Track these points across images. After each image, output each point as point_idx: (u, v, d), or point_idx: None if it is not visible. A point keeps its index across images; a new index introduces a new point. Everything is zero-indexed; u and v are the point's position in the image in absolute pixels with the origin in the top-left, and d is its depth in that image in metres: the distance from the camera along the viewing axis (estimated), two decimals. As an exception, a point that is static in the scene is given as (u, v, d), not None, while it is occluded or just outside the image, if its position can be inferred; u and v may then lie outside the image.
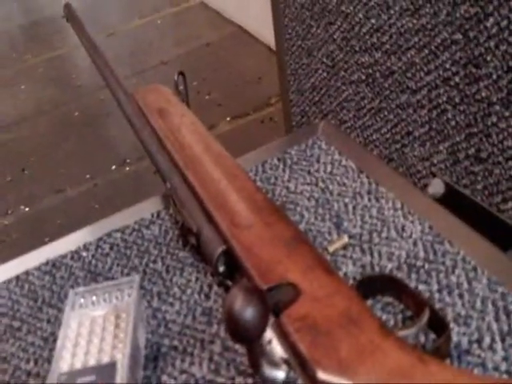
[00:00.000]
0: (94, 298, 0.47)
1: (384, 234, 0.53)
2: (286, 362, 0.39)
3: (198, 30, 2.80)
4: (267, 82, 2.32)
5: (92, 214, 1.87)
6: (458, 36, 0.62)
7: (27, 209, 1.93)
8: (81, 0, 2.99)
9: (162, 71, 2.50)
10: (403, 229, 0.53)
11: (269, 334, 0.40)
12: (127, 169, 2.02)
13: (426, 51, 0.68)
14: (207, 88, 2.21)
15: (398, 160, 0.79)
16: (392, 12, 0.70)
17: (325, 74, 0.89)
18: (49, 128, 2.30)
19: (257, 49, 2.55)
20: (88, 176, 2.00)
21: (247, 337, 0.36)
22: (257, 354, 0.38)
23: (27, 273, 0.56)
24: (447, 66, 0.65)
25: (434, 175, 0.71)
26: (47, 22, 3.17)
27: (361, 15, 0.76)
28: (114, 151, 2.13)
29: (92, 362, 0.42)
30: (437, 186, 0.69)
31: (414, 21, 0.67)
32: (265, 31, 2.50)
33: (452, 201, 0.55)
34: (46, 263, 0.57)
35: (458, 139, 0.67)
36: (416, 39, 0.68)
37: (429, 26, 0.66)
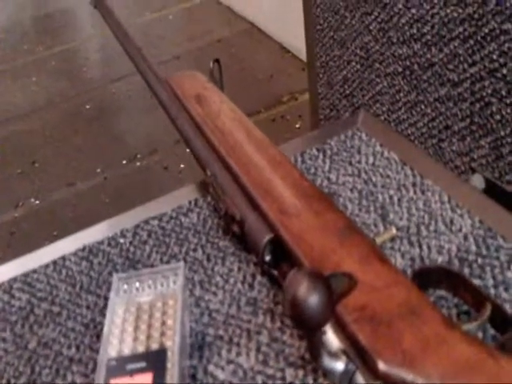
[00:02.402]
0: (138, 284, 0.45)
1: (432, 227, 0.52)
2: (344, 352, 0.38)
3: (210, 26, 2.79)
4: (279, 80, 2.31)
5: (102, 208, 1.87)
6: (508, 26, 0.61)
7: (37, 201, 1.92)
8: (93, -7, 2.97)
9: (175, 66, 2.49)
10: (452, 222, 0.52)
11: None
12: (138, 164, 2.01)
13: (471, 42, 0.66)
14: (218, 85, 2.19)
15: (434, 155, 0.77)
16: (435, 1, 0.69)
17: (358, 66, 0.88)
18: (60, 121, 2.29)
19: (269, 46, 2.54)
20: (98, 170, 1.99)
21: (311, 324, 0.34)
22: (317, 343, 0.37)
23: (64, 258, 0.55)
24: (494, 57, 0.64)
25: (474, 171, 0.70)
26: (59, 14, 3.17)
27: (400, 5, 0.75)
28: (124, 145, 2.12)
29: (141, 349, 0.40)
30: (477, 182, 0.68)
31: (460, 10, 0.66)
32: (277, 28, 2.49)
33: (493, 197, 0.53)
34: (83, 249, 0.55)
35: (502, 133, 0.65)
36: (460, 29, 0.67)
37: (476, 16, 0.64)
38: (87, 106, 2.35)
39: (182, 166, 1.92)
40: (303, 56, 2.26)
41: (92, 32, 2.95)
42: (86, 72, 2.65)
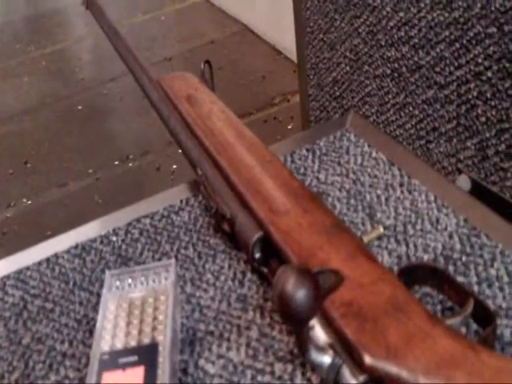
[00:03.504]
0: (130, 280, 0.46)
1: (418, 226, 0.53)
2: (331, 347, 0.39)
3: (202, 28, 2.80)
4: (271, 82, 2.32)
5: (94, 209, 1.87)
6: (493, 30, 0.62)
7: (29, 202, 1.92)
8: (85, -7, 2.97)
9: (166, 67, 2.49)
10: (438, 221, 0.53)
11: (312, 320, 0.39)
12: (130, 164, 2.02)
13: (458, 45, 0.67)
14: (210, 86, 2.20)
15: (422, 156, 0.78)
16: (422, 5, 0.70)
17: (347, 68, 0.89)
18: (51, 121, 2.29)
19: (261, 48, 2.55)
20: (91, 170, 2.00)
21: (298, 318, 0.35)
22: (305, 337, 0.38)
23: (57, 256, 0.56)
24: (479, 60, 0.65)
25: (461, 172, 0.71)
26: (51, 15, 3.16)
27: (389, 8, 0.76)
28: (117, 146, 2.12)
29: (133, 343, 0.41)
30: (463, 183, 0.69)
31: (446, 14, 0.67)
32: (270, 30, 2.50)
33: (479, 198, 0.54)
34: (76, 246, 0.56)
35: (487, 135, 0.66)
36: (447, 33, 0.68)
37: (461, 20, 0.65)
38: (79, 107, 2.35)
39: (174, 166, 1.93)
40: (295, 58, 2.27)
41: (84, 32, 2.95)
42: (78, 72, 2.65)
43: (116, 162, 2.03)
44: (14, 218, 1.86)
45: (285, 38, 2.34)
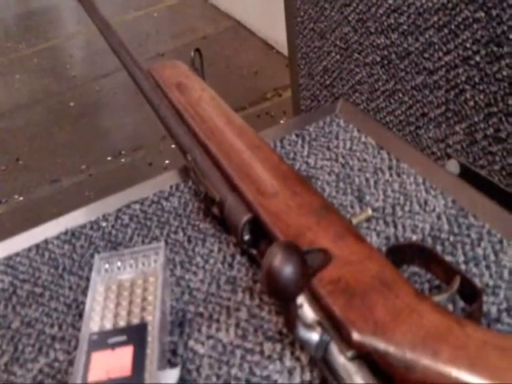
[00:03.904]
0: (119, 263, 0.46)
1: (407, 208, 0.53)
2: (319, 324, 0.39)
3: (195, 23, 2.80)
4: (264, 77, 2.32)
5: (87, 204, 1.86)
6: (481, 14, 0.62)
7: (21, 198, 1.92)
8: (77, -11, 2.97)
9: (159, 63, 2.48)
10: (426, 203, 0.53)
11: (300, 298, 0.40)
12: (122, 160, 2.02)
13: (446, 31, 0.68)
14: (203, 81, 2.20)
15: (412, 142, 0.79)
16: (411, -8, 0.70)
17: (338, 57, 0.89)
18: (43, 118, 2.29)
19: (253, 43, 2.55)
20: (83, 166, 2.00)
21: (286, 294, 0.36)
22: (293, 314, 0.38)
23: (46, 241, 0.56)
24: (467, 45, 0.65)
25: (450, 156, 0.71)
26: (42, 12, 3.16)
27: (378, -4, 0.76)
28: (109, 142, 2.12)
29: (122, 324, 0.41)
30: (452, 167, 0.69)
31: (434, 0, 0.67)
32: (262, 25, 2.50)
33: (468, 182, 0.55)
34: (65, 232, 0.56)
35: (476, 119, 0.67)
36: (435, 19, 0.68)
37: (449, 5, 0.66)
38: (71, 104, 2.35)
39: (166, 162, 1.93)
40: (287, 52, 2.28)
41: (76, 29, 2.95)
42: (69, 69, 2.64)
43: (108, 158, 2.03)
44: (6, 215, 1.86)
45: (277, 33, 2.34)
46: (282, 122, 2.07)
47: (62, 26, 3.11)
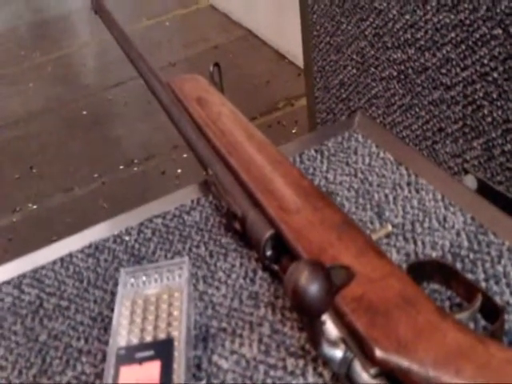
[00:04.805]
0: (145, 278, 0.47)
1: (426, 224, 0.54)
2: (343, 341, 0.40)
3: (207, 33, 2.80)
4: (275, 86, 2.33)
5: (100, 213, 1.87)
6: (498, 31, 0.63)
7: (35, 206, 1.93)
8: (89, -1, 3.00)
9: (171, 72, 2.50)
10: (445, 219, 0.54)
11: (323, 315, 0.40)
12: (135, 169, 2.03)
13: (463, 47, 0.68)
14: (214, 91, 2.21)
15: (428, 157, 0.79)
16: (428, 8, 0.71)
17: (354, 71, 0.90)
18: (57, 126, 2.31)
19: (265, 53, 2.56)
20: (96, 175, 2.01)
21: (311, 312, 0.36)
22: (317, 332, 0.39)
23: (71, 255, 0.57)
24: (485, 61, 0.66)
25: (467, 172, 0.72)
26: (55, 21, 3.18)
27: (395, 11, 0.77)
28: (121, 151, 2.13)
29: (148, 339, 0.42)
30: (469, 182, 0.70)
31: (452, 16, 0.68)
32: (273, 35, 2.51)
33: (485, 197, 0.55)
34: (89, 246, 0.57)
35: (493, 135, 0.67)
36: (453, 35, 0.69)
37: (467, 22, 0.66)
38: (84, 112, 2.36)
39: (179, 171, 1.94)
40: (299, 62, 2.29)
41: (89, 38, 2.97)
42: (83, 78, 2.66)
43: (121, 167, 2.04)
44: (20, 223, 1.87)
45: (288, 42, 2.35)
46: (293, 131, 2.08)
47: (75, 35, 3.13)
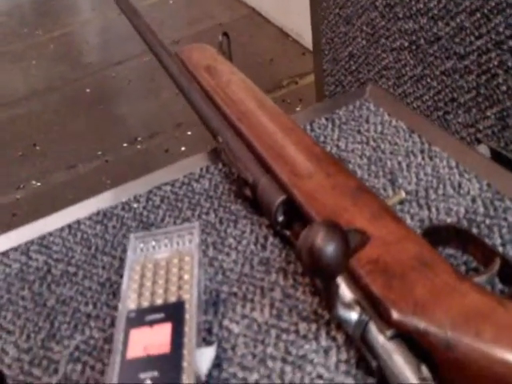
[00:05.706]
0: (154, 243, 0.46)
1: (440, 191, 0.53)
2: (358, 303, 0.39)
3: (211, 11, 2.78)
4: (279, 64, 2.31)
5: (103, 190, 1.87)
6: (515, -3, 0.62)
7: (39, 184, 1.93)
8: (93, -23, 2.98)
9: (175, 50, 2.48)
10: (460, 186, 0.53)
11: (338, 278, 0.39)
12: (138, 146, 2.02)
13: (478, 15, 0.67)
14: (219, 68, 2.19)
15: (440, 127, 0.78)
16: (442, -25, 0.69)
17: (364, 42, 0.89)
18: (60, 104, 2.29)
19: (269, 31, 2.54)
20: (99, 152, 2.00)
21: (327, 273, 0.35)
22: (332, 294, 0.38)
23: (78, 222, 0.56)
24: (500, 29, 0.64)
25: (479, 141, 0.71)
26: (58, -1, 3.16)
27: (407, -20, 0.76)
28: (125, 129, 2.12)
29: (159, 302, 0.41)
30: (482, 152, 0.69)
31: (466, -16, 0.66)
32: (277, 13, 2.49)
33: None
34: (97, 213, 0.56)
35: (508, 104, 0.66)
36: (467, 3, 0.67)
37: (482, -11, 0.65)
38: (87, 90, 2.35)
39: (182, 148, 1.93)
40: (303, 41, 2.27)
41: (92, 16, 2.95)
42: (85, 56, 2.65)
43: (124, 144, 2.03)
44: (24, 200, 1.87)
45: (293, 21, 2.33)
46: (297, 109, 2.06)
47: (77, 13, 3.10)
